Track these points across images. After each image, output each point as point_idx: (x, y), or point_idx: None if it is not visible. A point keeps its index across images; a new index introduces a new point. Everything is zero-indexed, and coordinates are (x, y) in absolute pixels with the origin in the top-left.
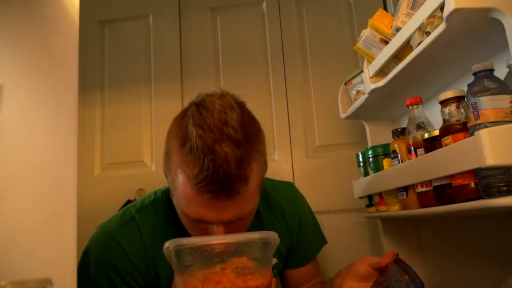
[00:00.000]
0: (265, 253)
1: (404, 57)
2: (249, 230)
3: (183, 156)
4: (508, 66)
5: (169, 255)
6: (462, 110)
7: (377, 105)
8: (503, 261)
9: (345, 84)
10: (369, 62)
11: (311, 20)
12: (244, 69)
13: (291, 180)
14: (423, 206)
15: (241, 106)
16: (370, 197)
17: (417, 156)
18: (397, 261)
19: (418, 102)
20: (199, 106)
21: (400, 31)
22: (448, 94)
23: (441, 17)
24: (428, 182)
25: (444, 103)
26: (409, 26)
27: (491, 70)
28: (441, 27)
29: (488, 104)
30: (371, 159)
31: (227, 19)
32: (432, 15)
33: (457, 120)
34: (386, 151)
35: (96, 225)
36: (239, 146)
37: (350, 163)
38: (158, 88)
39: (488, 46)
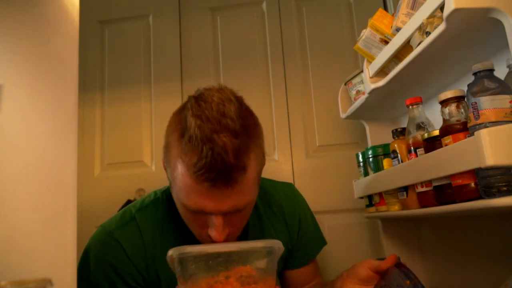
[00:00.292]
0: (270, 262)
1: (404, 57)
2: (249, 229)
3: (182, 146)
4: (508, 66)
5: (172, 263)
6: (462, 110)
7: (377, 105)
8: (503, 261)
9: (345, 84)
10: (369, 62)
11: (311, 20)
12: (244, 69)
13: (291, 180)
14: (423, 206)
15: (239, 99)
16: (370, 197)
17: (417, 156)
18: (398, 265)
19: (418, 102)
20: (198, 99)
21: (400, 31)
22: (448, 94)
23: (441, 17)
24: (428, 182)
25: (444, 103)
26: (409, 26)
27: (491, 70)
28: (441, 27)
29: (488, 104)
30: (371, 159)
31: (227, 19)
32: (432, 15)
33: (457, 120)
34: (386, 151)
35: (96, 225)
36: (237, 136)
37: (350, 163)
38: (158, 88)
39: (488, 46)
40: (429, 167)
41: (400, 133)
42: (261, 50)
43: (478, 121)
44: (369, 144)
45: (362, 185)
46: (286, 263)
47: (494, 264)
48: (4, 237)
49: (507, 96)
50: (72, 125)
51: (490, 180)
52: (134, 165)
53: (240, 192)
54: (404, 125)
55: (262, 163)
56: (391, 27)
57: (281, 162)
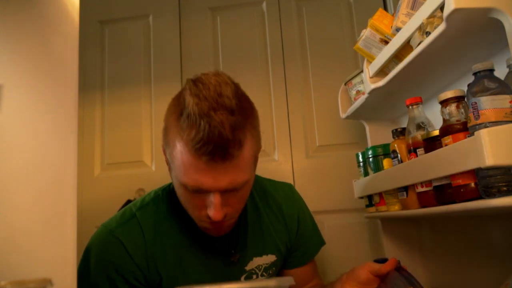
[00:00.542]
0: None
1: (404, 57)
2: (249, 227)
3: (180, 124)
4: (508, 66)
5: None
6: (462, 110)
7: (377, 105)
8: (503, 261)
9: (345, 84)
10: (369, 62)
11: (311, 20)
12: (244, 69)
13: (291, 180)
14: (423, 206)
15: (236, 84)
16: (370, 197)
17: (417, 156)
18: (399, 268)
19: (418, 102)
20: (196, 81)
21: (400, 31)
22: (448, 94)
23: (441, 17)
24: (428, 182)
25: (444, 103)
26: (409, 26)
27: (491, 70)
28: (441, 27)
29: (488, 104)
30: (371, 159)
31: (227, 19)
32: (432, 15)
33: (457, 120)
34: (386, 151)
35: (96, 225)
36: (233, 114)
37: (350, 163)
38: (158, 88)
39: (488, 46)
40: (429, 167)
41: (400, 133)
42: (261, 50)
43: (478, 121)
44: (369, 144)
45: (362, 185)
46: (285, 262)
47: (494, 264)
48: (4, 237)
49: (507, 96)
50: (72, 125)
51: (490, 180)
52: (134, 165)
53: (237, 168)
54: (404, 125)
55: (258, 146)
56: (391, 27)
57: (281, 162)
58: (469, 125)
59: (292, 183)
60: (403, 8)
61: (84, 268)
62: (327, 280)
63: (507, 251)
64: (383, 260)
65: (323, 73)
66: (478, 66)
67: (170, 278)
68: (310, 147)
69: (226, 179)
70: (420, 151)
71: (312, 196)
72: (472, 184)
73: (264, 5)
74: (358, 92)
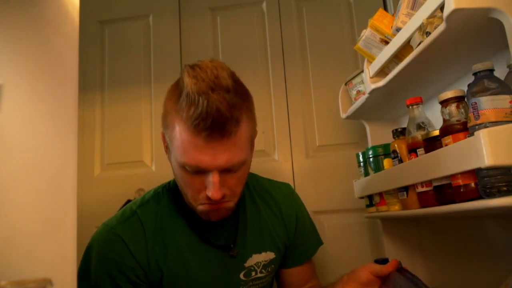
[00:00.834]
0: None
1: (405, 57)
2: (248, 225)
3: (179, 104)
4: (508, 66)
5: None
6: (462, 110)
7: (377, 105)
8: (503, 261)
9: (346, 84)
10: (370, 62)
11: (311, 20)
12: (244, 69)
13: (291, 180)
14: (423, 206)
15: (232, 71)
16: (370, 197)
17: (417, 156)
18: (400, 269)
19: (418, 102)
20: (193, 66)
21: (400, 31)
22: (448, 94)
23: (441, 17)
24: (428, 182)
25: (444, 103)
26: (409, 26)
27: (491, 70)
28: (441, 27)
29: (488, 104)
30: (371, 159)
31: (227, 19)
32: (432, 15)
33: (457, 120)
34: (387, 151)
35: (96, 225)
36: (230, 93)
37: (350, 163)
38: (158, 88)
39: (488, 46)
40: (429, 167)
41: (400, 133)
42: (261, 50)
43: (478, 121)
44: (370, 144)
45: (362, 185)
46: (284, 261)
47: (494, 264)
48: (4, 237)
49: (507, 96)
50: (72, 125)
51: (490, 180)
52: (134, 165)
53: (234, 146)
54: (405, 125)
55: (254, 130)
56: (391, 27)
57: (281, 162)
58: (469, 125)
59: (292, 183)
60: (403, 8)
61: (85, 266)
62: (327, 280)
63: (507, 251)
64: (383, 260)
65: (323, 73)
66: (478, 66)
67: (170, 273)
68: (310, 147)
69: (224, 156)
70: (420, 151)
71: (312, 196)
72: (472, 184)
73: (264, 5)
74: (358, 92)
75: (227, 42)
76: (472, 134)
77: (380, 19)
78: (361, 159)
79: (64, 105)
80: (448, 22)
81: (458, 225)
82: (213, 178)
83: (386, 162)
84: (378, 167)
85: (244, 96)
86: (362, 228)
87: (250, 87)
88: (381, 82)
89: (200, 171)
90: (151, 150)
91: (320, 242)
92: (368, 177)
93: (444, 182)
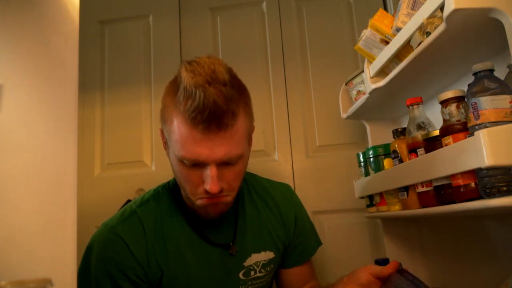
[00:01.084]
0: None
1: (405, 57)
2: (247, 223)
3: (177, 98)
4: (508, 66)
5: None
6: (463, 110)
7: (377, 105)
8: (503, 261)
9: (346, 84)
10: (370, 62)
11: (311, 20)
12: (244, 69)
13: (291, 180)
14: (423, 206)
15: (229, 67)
16: (371, 197)
17: (417, 156)
18: (401, 271)
19: (419, 102)
20: (190, 62)
21: (401, 31)
22: (448, 94)
23: (441, 17)
24: (429, 182)
25: (444, 103)
26: (409, 26)
27: (491, 70)
28: (441, 27)
29: (488, 104)
30: (372, 159)
31: (227, 19)
32: (432, 15)
33: (457, 120)
34: (387, 151)
35: (96, 225)
36: (226, 87)
37: (350, 163)
38: (158, 88)
39: (488, 46)
40: (429, 167)
41: (400, 133)
42: (261, 50)
43: (478, 121)
44: (370, 144)
45: (363, 185)
46: (283, 261)
47: (494, 264)
48: (4, 237)
49: (507, 96)
50: (72, 125)
51: (490, 180)
52: (134, 165)
53: (231, 139)
54: (405, 125)
55: (251, 125)
56: (392, 27)
57: (281, 162)
58: (469, 125)
59: (292, 183)
60: (404, 8)
61: (85, 266)
62: (327, 281)
63: (507, 251)
64: (384, 260)
65: (323, 73)
66: (478, 66)
67: (170, 272)
68: (310, 147)
69: (222, 149)
70: (421, 151)
71: (312, 196)
72: (472, 184)
73: (264, 5)
74: (359, 92)
75: (227, 42)
76: (472, 134)
77: (380, 19)
78: (361, 159)
79: (64, 105)
80: (448, 22)
81: (458, 225)
82: (211, 172)
83: (387, 162)
84: (379, 167)
85: (241, 91)
86: (362, 228)
87: (250, 87)
88: (382, 82)
89: (198, 165)
90: (151, 150)
91: (319, 243)
92: (368, 177)
93: (444, 182)
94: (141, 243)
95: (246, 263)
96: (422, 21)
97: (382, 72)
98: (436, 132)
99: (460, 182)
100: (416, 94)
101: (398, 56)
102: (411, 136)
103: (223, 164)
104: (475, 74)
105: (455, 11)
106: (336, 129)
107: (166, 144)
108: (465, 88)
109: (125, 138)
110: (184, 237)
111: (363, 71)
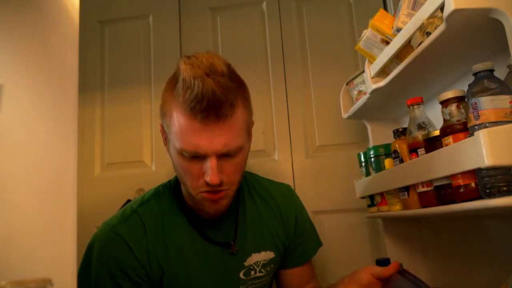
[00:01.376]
0: None
1: (405, 57)
2: (248, 222)
3: (176, 91)
4: (508, 66)
5: None
6: (463, 110)
7: (378, 105)
8: (503, 261)
9: (347, 84)
10: (370, 62)
11: (311, 20)
12: (244, 69)
13: (291, 180)
14: (424, 206)
15: (227, 62)
16: (371, 197)
17: (418, 156)
18: (402, 272)
19: (419, 102)
20: (189, 56)
21: (401, 32)
22: (448, 94)
23: (441, 18)
24: (429, 182)
25: (444, 103)
26: (409, 27)
27: (491, 70)
28: (441, 27)
29: (488, 104)
30: (372, 159)
31: (227, 19)
32: (432, 16)
33: (458, 120)
34: (388, 151)
35: (96, 225)
36: (224, 77)
37: (350, 163)
38: (158, 88)
39: (488, 46)
40: (429, 167)
41: (401, 133)
42: (261, 50)
43: (478, 121)
44: (371, 144)
45: (364, 185)
46: (284, 261)
47: (494, 263)
48: (4, 237)
49: (507, 96)
50: (72, 125)
51: (490, 180)
52: (134, 165)
53: (230, 130)
54: (406, 125)
55: (250, 118)
56: (392, 27)
57: (281, 162)
58: (469, 125)
59: (292, 183)
60: (404, 8)
61: (86, 265)
62: (327, 281)
63: (507, 251)
64: (384, 260)
65: (323, 73)
66: (478, 66)
67: (171, 272)
68: (310, 147)
69: (221, 140)
70: (421, 151)
71: (312, 196)
72: (472, 184)
73: (264, 5)
74: (359, 92)
75: (227, 42)
76: (472, 134)
77: (380, 19)
78: (362, 159)
79: (64, 105)
80: (448, 22)
81: (458, 225)
82: (210, 163)
83: (387, 162)
84: (380, 167)
85: (239, 84)
86: (362, 228)
87: (250, 87)
88: (382, 82)
89: (198, 157)
90: (151, 150)
91: (319, 243)
92: (369, 177)
93: (444, 182)
94: (142, 243)
95: (246, 263)
96: (423, 21)
97: (383, 72)
98: (437, 132)
99: (460, 182)
100: (416, 94)
101: (398, 56)
102: (411, 136)
103: (223, 156)
104: (475, 74)
105: (455, 11)
106: (336, 129)
107: (166, 140)
108: (465, 88)
109: (125, 138)
110: (185, 236)
111: (364, 71)
